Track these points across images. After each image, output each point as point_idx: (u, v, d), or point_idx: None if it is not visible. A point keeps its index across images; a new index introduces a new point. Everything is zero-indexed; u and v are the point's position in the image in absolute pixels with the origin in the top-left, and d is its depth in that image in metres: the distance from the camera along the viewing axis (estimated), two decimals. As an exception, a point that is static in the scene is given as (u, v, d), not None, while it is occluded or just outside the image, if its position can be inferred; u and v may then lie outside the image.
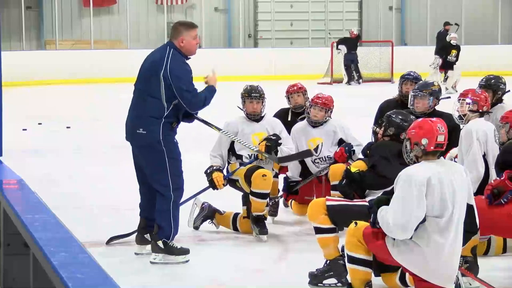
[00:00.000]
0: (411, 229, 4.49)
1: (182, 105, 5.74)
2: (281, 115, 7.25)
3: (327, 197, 5.71)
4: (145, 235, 5.96)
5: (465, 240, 4.76)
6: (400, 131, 5.60)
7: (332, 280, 5.24)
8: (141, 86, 5.82)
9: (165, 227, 5.76)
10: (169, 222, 5.75)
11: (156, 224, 5.80)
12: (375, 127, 5.95)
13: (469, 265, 5.25)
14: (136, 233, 6.07)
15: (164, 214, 5.75)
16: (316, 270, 5.27)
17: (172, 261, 5.77)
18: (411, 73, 7.46)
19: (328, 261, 5.25)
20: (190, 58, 5.85)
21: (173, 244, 5.80)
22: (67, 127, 13.32)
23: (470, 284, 5.12)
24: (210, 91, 5.87)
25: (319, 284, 5.25)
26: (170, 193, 5.73)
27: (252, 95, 6.65)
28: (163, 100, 5.68)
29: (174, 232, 5.81)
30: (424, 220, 4.50)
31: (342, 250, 5.19)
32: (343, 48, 22.52)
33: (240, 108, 6.73)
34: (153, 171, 5.77)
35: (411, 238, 4.54)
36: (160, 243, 5.76)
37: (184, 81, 5.69)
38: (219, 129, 6.40)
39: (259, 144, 6.50)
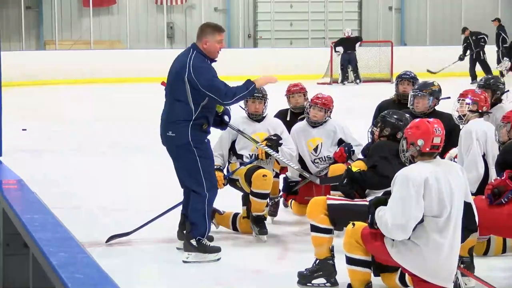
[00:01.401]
0: (409, 229, 4.49)
1: (210, 104, 5.77)
2: (280, 116, 7.23)
3: (327, 196, 5.71)
4: (184, 231, 6.02)
5: (464, 238, 4.77)
6: (396, 131, 5.60)
7: (321, 280, 5.23)
8: (169, 90, 5.88)
9: (199, 225, 5.81)
10: (203, 220, 5.80)
11: (190, 222, 5.84)
12: (372, 128, 5.94)
13: (465, 266, 5.25)
14: (177, 230, 6.13)
15: (199, 213, 5.80)
16: (305, 269, 5.27)
17: (204, 259, 5.80)
18: (408, 73, 7.46)
19: (318, 261, 5.24)
20: (215, 61, 5.86)
21: (205, 242, 5.84)
22: (23, 129, 12.98)
23: (466, 284, 5.11)
24: (246, 85, 5.80)
25: (308, 284, 5.25)
26: (204, 191, 5.78)
27: (255, 95, 6.65)
28: (190, 103, 5.71)
29: (208, 230, 5.86)
30: (422, 220, 4.51)
31: (332, 250, 5.21)
32: (340, 50, 22.54)
33: (242, 108, 6.73)
34: (187, 171, 5.82)
35: (409, 238, 4.55)
36: (193, 242, 5.80)
37: (207, 75, 5.71)
38: (256, 141, 6.44)
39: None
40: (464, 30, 22.16)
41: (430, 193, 4.49)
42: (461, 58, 21.45)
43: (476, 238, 5.33)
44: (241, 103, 6.72)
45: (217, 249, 5.87)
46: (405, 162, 4.72)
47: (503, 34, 21.83)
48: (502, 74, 20.07)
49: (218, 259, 5.83)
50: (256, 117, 6.70)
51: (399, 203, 4.50)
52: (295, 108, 7.35)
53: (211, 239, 6.12)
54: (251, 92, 5.86)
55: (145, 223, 6.38)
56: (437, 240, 4.52)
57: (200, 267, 5.77)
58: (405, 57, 22.57)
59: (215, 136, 6.67)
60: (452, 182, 4.56)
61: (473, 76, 21.10)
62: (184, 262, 5.79)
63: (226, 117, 6.03)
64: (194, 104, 5.71)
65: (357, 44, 22.73)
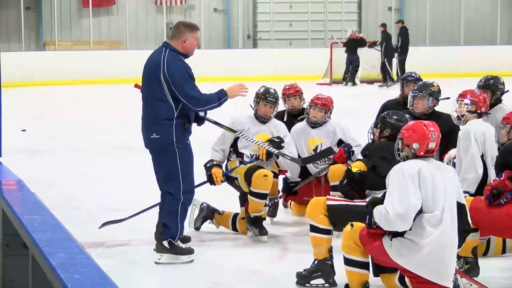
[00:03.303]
0: (410, 218, 4.49)
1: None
2: (278, 117, 7.22)
3: (327, 196, 5.71)
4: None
5: (462, 241, 4.76)
6: (396, 131, 5.59)
7: (320, 281, 5.24)
8: (146, 91, 5.86)
9: (172, 228, 5.80)
10: (176, 223, 5.80)
11: (163, 224, 5.84)
12: (372, 128, 5.95)
13: (469, 266, 5.25)
14: (155, 230, 6.09)
15: (172, 215, 5.80)
16: (304, 270, 5.27)
17: (177, 261, 5.79)
18: (413, 75, 7.44)
19: (316, 261, 5.25)
20: (188, 57, 5.88)
21: (178, 244, 5.83)
22: (23, 130, 12.96)
23: (471, 285, 5.11)
24: (219, 95, 5.80)
25: (306, 284, 5.26)
26: (180, 195, 5.77)
27: (269, 98, 6.65)
28: (170, 100, 5.70)
29: (180, 233, 5.85)
30: (419, 212, 4.51)
31: (331, 251, 5.22)
32: (342, 49, 22.58)
33: (252, 107, 6.73)
34: (166, 172, 5.81)
35: (407, 237, 4.55)
36: (165, 243, 5.80)
37: (182, 78, 5.69)
38: (234, 131, 6.43)
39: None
40: (383, 25, 22.84)
41: (425, 184, 4.53)
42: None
43: (478, 238, 5.33)
44: (252, 102, 6.72)
45: (189, 251, 5.86)
46: (399, 161, 4.78)
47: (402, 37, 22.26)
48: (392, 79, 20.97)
49: (191, 261, 5.82)
50: (263, 119, 6.70)
51: (396, 193, 4.52)
52: (292, 110, 7.37)
53: (187, 239, 6.10)
54: (221, 104, 5.83)
55: (139, 212, 6.49)
56: (434, 236, 4.53)
57: (199, 268, 5.77)
58: (405, 57, 22.57)
59: (216, 137, 6.68)
60: (446, 179, 4.60)
61: (390, 78, 21.49)
62: (156, 263, 5.79)
63: (201, 112, 5.99)
64: (174, 101, 5.70)
65: (360, 48, 22.52)
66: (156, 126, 5.75)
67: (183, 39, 5.81)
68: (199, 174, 6.25)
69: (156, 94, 5.74)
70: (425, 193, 4.53)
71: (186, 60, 5.86)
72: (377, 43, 22.20)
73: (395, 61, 22.16)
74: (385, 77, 21.63)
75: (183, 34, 5.83)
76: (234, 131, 6.47)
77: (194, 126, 5.98)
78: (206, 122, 6.11)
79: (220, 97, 5.80)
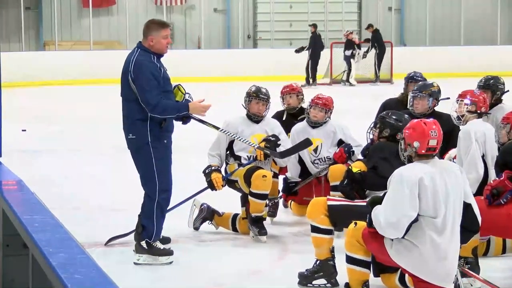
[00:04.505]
0: (402, 228, 4.50)
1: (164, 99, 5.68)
2: (277, 117, 7.24)
3: (328, 196, 5.71)
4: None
5: (466, 239, 4.77)
6: (395, 132, 5.60)
7: (322, 281, 5.24)
8: (121, 92, 5.85)
9: (148, 228, 5.78)
10: (152, 222, 5.77)
11: (140, 224, 5.82)
12: (371, 129, 5.94)
13: (470, 266, 5.25)
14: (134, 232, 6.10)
15: (148, 216, 5.78)
16: (306, 270, 5.28)
17: (155, 262, 5.78)
18: (418, 74, 7.43)
19: (318, 261, 5.26)
20: (162, 56, 5.83)
21: (156, 245, 5.81)
22: (23, 130, 12.96)
23: (471, 285, 5.12)
24: (180, 107, 5.73)
25: (308, 285, 5.26)
26: (155, 195, 5.74)
27: (260, 96, 6.65)
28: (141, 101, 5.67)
29: (157, 233, 5.82)
30: (416, 219, 4.51)
31: (333, 251, 5.22)
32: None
33: (244, 106, 6.72)
34: (142, 172, 5.80)
35: (408, 239, 4.55)
36: (143, 244, 5.78)
37: (144, 81, 5.63)
38: (217, 128, 6.40)
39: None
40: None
41: (426, 193, 4.51)
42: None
43: (478, 238, 5.33)
44: (243, 101, 6.71)
45: (168, 252, 5.84)
46: (404, 161, 4.76)
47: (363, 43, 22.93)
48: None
49: (171, 262, 5.80)
50: (256, 118, 6.70)
51: (392, 201, 4.52)
52: (289, 109, 7.37)
53: (167, 240, 6.08)
54: (179, 116, 5.75)
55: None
56: (435, 240, 4.53)
57: (199, 268, 5.77)
58: (405, 57, 22.59)
59: (213, 136, 6.68)
60: (449, 183, 4.57)
61: (308, 80, 21.63)
62: (136, 264, 5.79)
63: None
64: None
65: (347, 51, 22.39)
66: (132, 126, 5.73)
67: (150, 38, 5.80)
68: (186, 172, 6.21)
69: (128, 94, 5.73)
70: (425, 201, 4.51)
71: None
72: (304, 48, 22.20)
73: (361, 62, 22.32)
74: (308, 79, 21.70)
75: (149, 33, 5.82)
76: (217, 128, 6.40)
77: (179, 124, 5.95)
78: (191, 120, 6.09)
79: (180, 110, 5.72)
